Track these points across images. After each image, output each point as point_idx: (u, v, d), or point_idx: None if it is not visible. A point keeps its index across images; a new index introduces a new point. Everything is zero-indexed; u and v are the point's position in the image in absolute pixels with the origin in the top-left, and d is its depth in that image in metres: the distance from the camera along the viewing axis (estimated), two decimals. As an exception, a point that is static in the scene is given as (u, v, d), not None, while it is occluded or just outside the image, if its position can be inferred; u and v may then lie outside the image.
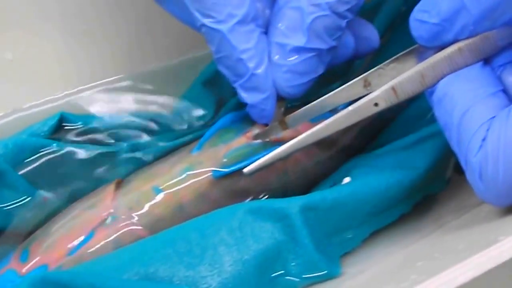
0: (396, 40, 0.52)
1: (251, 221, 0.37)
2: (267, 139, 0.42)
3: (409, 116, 0.47)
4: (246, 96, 0.41)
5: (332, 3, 0.39)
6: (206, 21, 0.38)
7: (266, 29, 0.41)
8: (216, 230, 0.37)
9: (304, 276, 0.37)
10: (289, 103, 0.44)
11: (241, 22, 0.39)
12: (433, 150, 0.42)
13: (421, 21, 0.35)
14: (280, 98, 0.42)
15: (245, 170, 0.40)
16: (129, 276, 0.35)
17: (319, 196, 0.38)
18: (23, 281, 0.31)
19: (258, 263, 0.36)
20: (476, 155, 0.33)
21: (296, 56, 0.40)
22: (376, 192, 0.39)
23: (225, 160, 0.42)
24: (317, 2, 0.39)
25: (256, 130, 0.43)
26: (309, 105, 0.42)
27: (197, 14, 0.39)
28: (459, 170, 0.43)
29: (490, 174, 0.33)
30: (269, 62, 0.40)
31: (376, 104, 0.37)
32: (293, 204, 0.37)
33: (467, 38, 0.34)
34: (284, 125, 0.42)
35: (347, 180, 0.41)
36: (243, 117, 0.44)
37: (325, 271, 0.37)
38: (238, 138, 0.43)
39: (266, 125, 0.43)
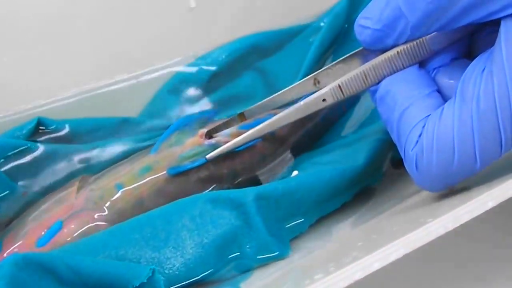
0: (340, 51, 0.54)
1: (210, 209, 0.38)
2: (220, 138, 0.43)
3: (348, 119, 0.48)
4: None
5: None
6: None
7: None
8: (179, 217, 0.37)
9: (258, 257, 0.38)
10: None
11: None
12: (370, 147, 0.43)
13: (364, 26, 0.36)
14: None
15: (208, 156, 0.41)
16: (100, 257, 0.35)
17: (271, 186, 0.39)
18: (5, 260, 0.32)
19: (217, 245, 0.37)
20: (413, 148, 0.34)
21: None
22: (320, 182, 0.41)
23: (179, 159, 0.43)
24: None
25: (212, 126, 0.44)
26: (264, 100, 0.43)
27: None
28: (394, 165, 0.45)
29: (425, 164, 0.34)
30: None
31: (324, 100, 0.38)
32: (248, 194, 0.38)
33: (405, 43, 0.36)
34: (242, 117, 0.43)
35: (295, 173, 0.42)
36: (195, 119, 0.45)
37: (277, 253, 0.38)
38: (192, 138, 0.44)
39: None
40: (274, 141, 0.45)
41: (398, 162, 0.44)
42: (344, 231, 0.40)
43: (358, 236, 0.37)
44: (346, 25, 0.54)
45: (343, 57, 0.40)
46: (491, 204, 0.33)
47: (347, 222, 0.41)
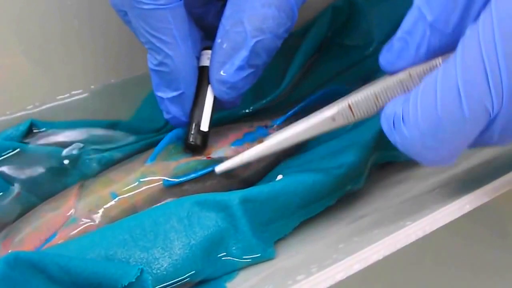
0: (322, 60, 0.54)
1: (198, 211, 0.38)
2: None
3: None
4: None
5: (272, 27, 0.39)
6: None
7: None
8: (167, 219, 0.37)
9: (243, 258, 0.38)
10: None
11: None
12: (353, 152, 0.43)
13: (387, 46, 0.35)
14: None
15: (216, 169, 0.42)
16: (90, 257, 0.35)
17: (256, 190, 0.40)
18: (-1, 260, 0.32)
19: (204, 246, 0.37)
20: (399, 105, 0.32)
21: (238, 74, 0.40)
22: (304, 187, 0.41)
23: (175, 171, 0.42)
24: (260, 27, 0.39)
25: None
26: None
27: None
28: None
29: (411, 119, 0.31)
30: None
31: (334, 120, 0.37)
32: (234, 197, 0.39)
33: (424, 56, 0.33)
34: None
35: (280, 177, 0.43)
36: None
37: (261, 254, 0.38)
38: (186, 157, 0.43)
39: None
40: (269, 158, 0.45)
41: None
42: (326, 234, 0.40)
43: (340, 238, 0.37)
44: (328, 34, 0.55)
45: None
46: (468, 207, 0.33)
47: (330, 225, 0.41)
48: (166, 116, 0.43)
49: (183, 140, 0.43)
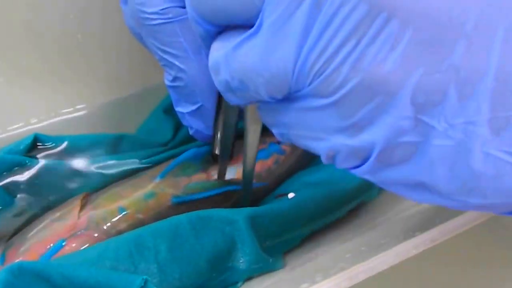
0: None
1: (205, 225, 0.38)
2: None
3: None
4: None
5: None
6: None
7: None
8: (174, 232, 0.37)
9: (250, 270, 0.37)
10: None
11: None
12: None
13: None
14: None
15: None
16: (95, 268, 0.35)
17: (264, 208, 0.39)
18: (3, 269, 0.32)
19: (210, 259, 0.37)
20: None
21: None
22: (315, 201, 0.40)
23: (185, 189, 0.42)
24: None
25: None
26: None
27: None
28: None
29: None
30: None
31: None
32: (241, 212, 0.38)
33: None
34: None
35: (291, 195, 0.42)
36: (204, 154, 0.44)
37: (269, 266, 0.38)
38: (198, 174, 0.43)
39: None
40: (279, 175, 0.45)
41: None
42: (335, 244, 0.40)
43: (347, 248, 0.37)
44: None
45: None
46: (480, 219, 0.33)
47: (339, 236, 0.41)
48: (190, 131, 0.43)
49: (200, 156, 0.43)
